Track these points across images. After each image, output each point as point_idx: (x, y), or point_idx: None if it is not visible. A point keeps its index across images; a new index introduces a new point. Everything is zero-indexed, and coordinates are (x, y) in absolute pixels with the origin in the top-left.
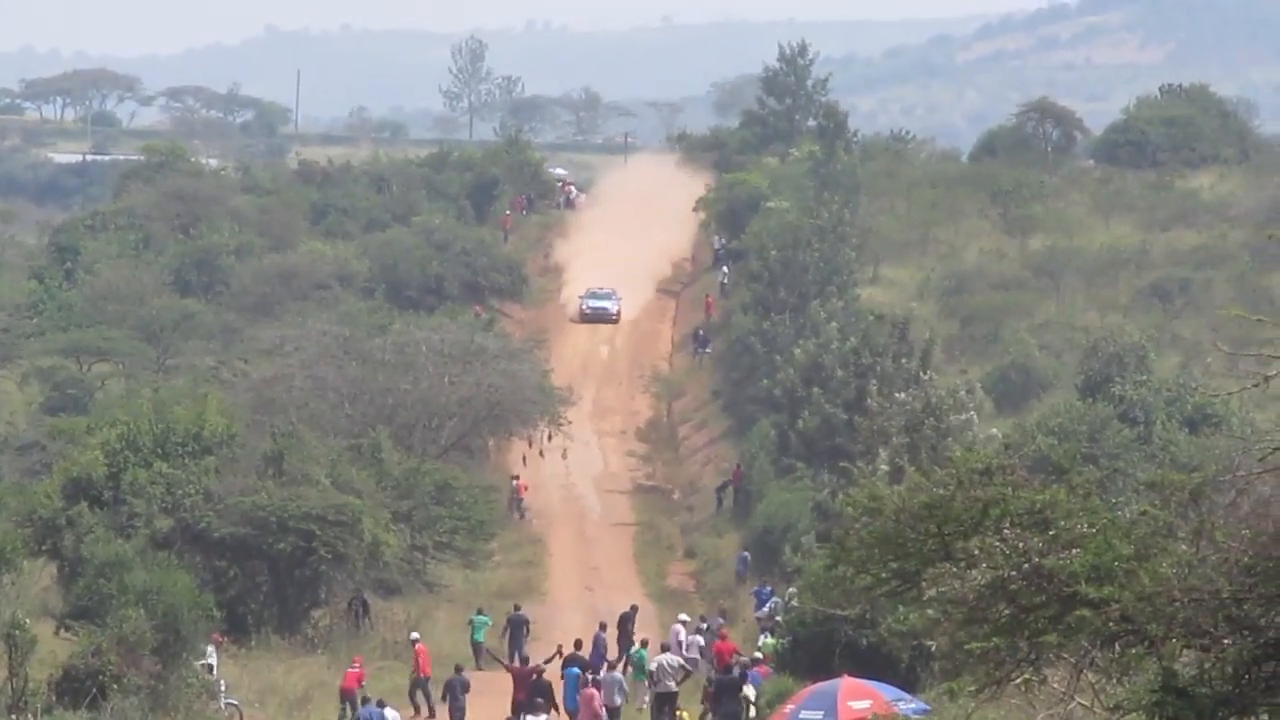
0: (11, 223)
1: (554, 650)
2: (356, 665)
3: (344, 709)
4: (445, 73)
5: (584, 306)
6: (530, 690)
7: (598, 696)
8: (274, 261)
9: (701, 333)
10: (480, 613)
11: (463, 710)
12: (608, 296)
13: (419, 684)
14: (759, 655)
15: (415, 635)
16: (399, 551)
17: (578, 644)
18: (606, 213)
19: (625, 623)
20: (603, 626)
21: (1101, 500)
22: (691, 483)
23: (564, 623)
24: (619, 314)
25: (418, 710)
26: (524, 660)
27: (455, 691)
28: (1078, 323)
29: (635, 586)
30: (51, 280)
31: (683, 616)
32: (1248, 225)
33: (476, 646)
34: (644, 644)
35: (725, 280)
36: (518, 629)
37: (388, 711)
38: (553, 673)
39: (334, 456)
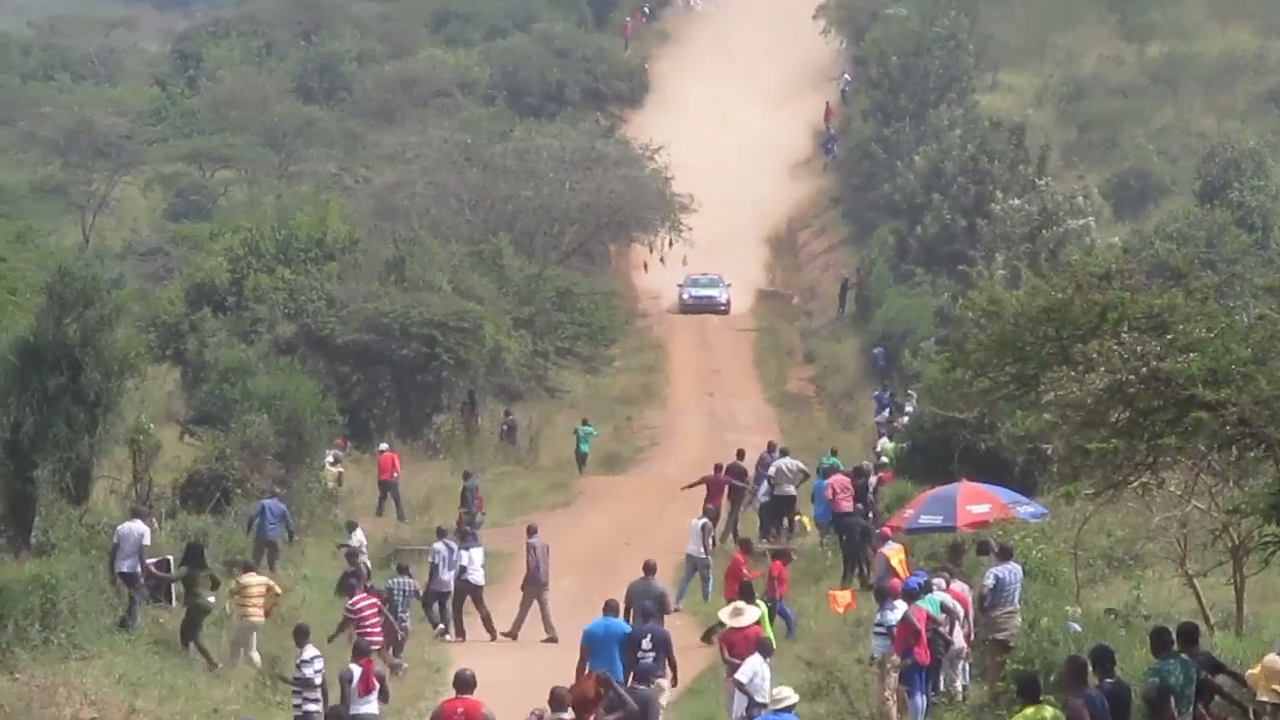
0: (134, 29)
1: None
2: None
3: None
4: None
5: (685, 295)
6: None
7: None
8: (395, 68)
9: (831, 131)
10: (585, 423)
11: (471, 512)
12: (713, 284)
13: (385, 487)
14: (885, 460)
15: (384, 446)
16: (520, 357)
17: (740, 454)
18: (726, 19)
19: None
20: (771, 448)
21: (1219, 305)
22: (811, 288)
23: (684, 428)
24: (728, 304)
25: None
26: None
27: (470, 493)
28: (1195, 129)
29: (755, 391)
30: (174, 87)
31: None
32: None
33: (581, 456)
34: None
35: (845, 88)
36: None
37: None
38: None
39: (455, 262)
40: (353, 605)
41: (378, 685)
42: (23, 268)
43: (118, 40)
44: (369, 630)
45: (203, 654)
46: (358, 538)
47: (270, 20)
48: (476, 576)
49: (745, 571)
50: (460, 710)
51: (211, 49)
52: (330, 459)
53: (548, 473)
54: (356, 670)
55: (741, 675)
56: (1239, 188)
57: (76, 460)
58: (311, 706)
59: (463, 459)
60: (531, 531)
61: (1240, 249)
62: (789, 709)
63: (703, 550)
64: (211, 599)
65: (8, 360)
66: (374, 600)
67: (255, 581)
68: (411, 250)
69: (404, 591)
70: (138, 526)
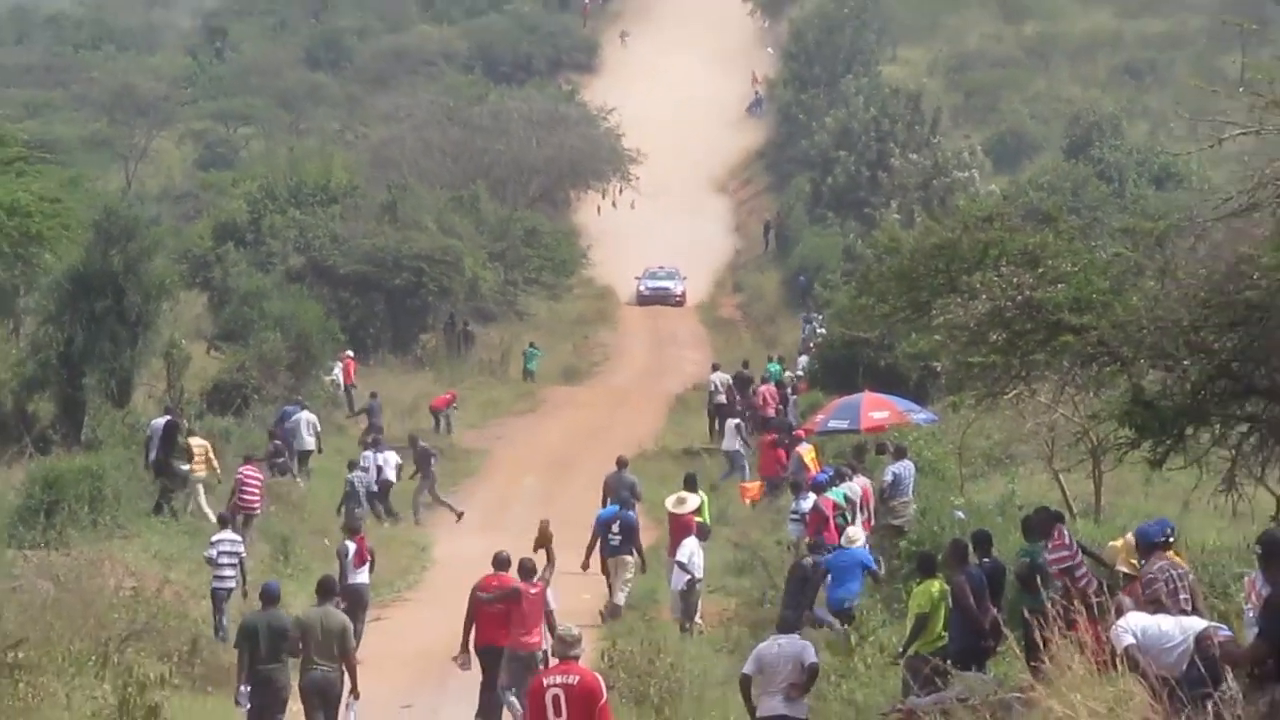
0: (170, 7)
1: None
2: (448, 395)
3: (435, 420)
4: None
5: (641, 288)
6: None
7: None
8: (389, 42)
9: (758, 94)
10: (533, 345)
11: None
12: (670, 276)
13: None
14: (800, 374)
15: (348, 353)
16: (494, 285)
17: (745, 364)
18: (670, 4)
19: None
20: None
21: (1082, 244)
22: (739, 228)
23: (632, 345)
24: (683, 295)
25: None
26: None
27: (374, 410)
28: (1063, 96)
29: (692, 315)
30: (204, 57)
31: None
32: (1205, 13)
33: (528, 373)
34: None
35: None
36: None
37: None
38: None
39: (440, 206)
40: (239, 472)
41: (370, 558)
42: (74, 208)
43: (156, 16)
44: (247, 494)
45: (172, 513)
46: (299, 417)
47: (284, 1)
48: (389, 474)
49: (778, 451)
50: (495, 584)
51: (235, 25)
52: (336, 372)
53: (516, 383)
54: (351, 545)
55: (680, 555)
56: (1099, 146)
57: (119, 370)
58: (217, 583)
59: (445, 372)
60: (414, 441)
61: (1100, 197)
62: (862, 545)
63: (737, 444)
64: (186, 467)
65: (62, 286)
66: (256, 472)
67: (197, 444)
68: (402, 195)
69: (366, 484)
70: (163, 421)
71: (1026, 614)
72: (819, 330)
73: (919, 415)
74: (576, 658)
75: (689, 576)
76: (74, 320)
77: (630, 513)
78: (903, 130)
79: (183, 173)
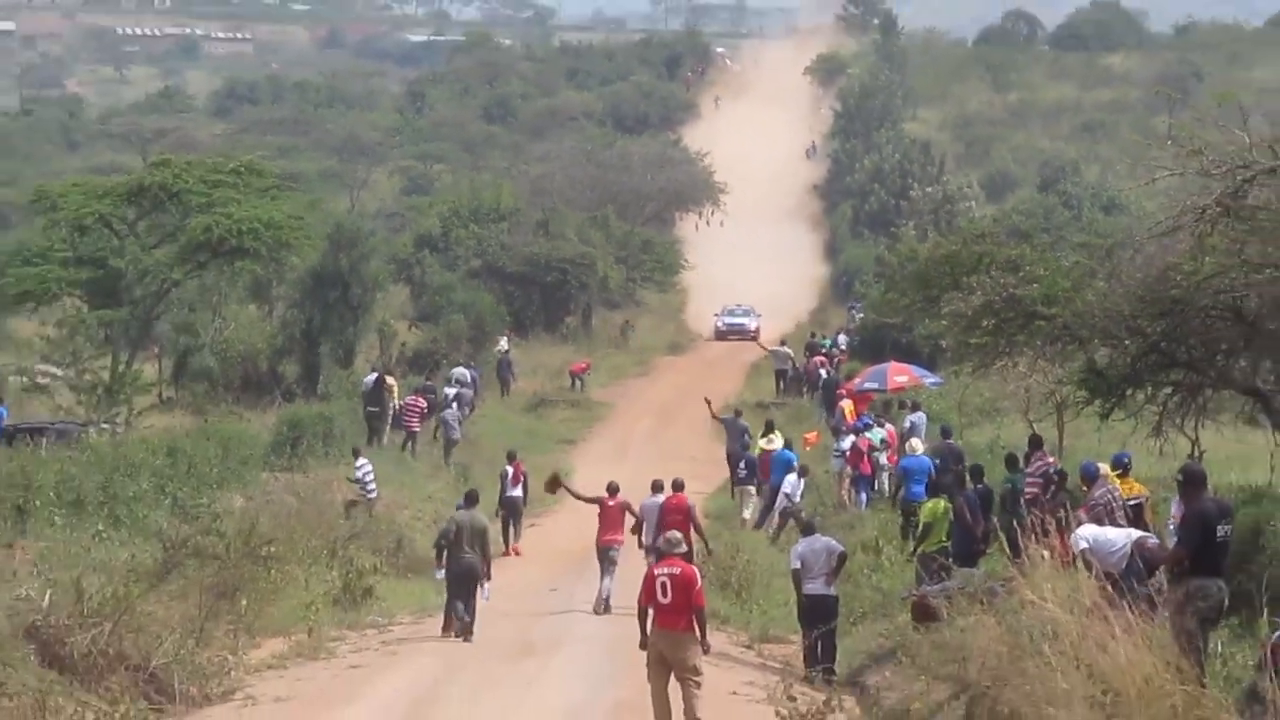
0: (384, 77)
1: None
2: (585, 363)
3: (572, 381)
4: None
5: (719, 324)
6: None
7: None
8: (544, 103)
9: (814, 143)
10: (627, 323)
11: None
12: (745, 313)
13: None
14: (842, 348)
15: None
16: (619, 282)
17: (812, 335)
18: (750, 74)
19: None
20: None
21: (1051, 254)
22: (800, 240)
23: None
24: (757, 330)
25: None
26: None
27: (502, 365)
28: (1037, 146)
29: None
30: (408, 113)
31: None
32: (1142, 86)
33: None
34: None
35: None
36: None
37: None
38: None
39: (579, 223)
40: (404, 400)
41: (524, 478)
42: (313, 223)
43: (374, 83)
44: (408, 419)
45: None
46: (454, 372)
47: (467, 72)
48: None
49: (854, 395)
50: (673, 502)
51: (431, 90)
52: (504, 344)
53: (634, 354)
54: (510, 469)
55: (786, 487)
56: (1064, 183)
57: (345, 342)
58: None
59: (582, 345)
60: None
61: (1064, 220)
62: (924, 454)
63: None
64: (375, 409)
65: (304, 280)
66: (417, 401)
67: (390, 380)
68: (553, 215)
69: (456, 419)
70: (373, 377)
71: (1011, 524)
72: (858, 316)
73: (930, 379)
74: (679, 555)
75: (787, 501)
76: (312, 305)
77: (752, 455)
78: (919, 170)
79: (392, 198)
